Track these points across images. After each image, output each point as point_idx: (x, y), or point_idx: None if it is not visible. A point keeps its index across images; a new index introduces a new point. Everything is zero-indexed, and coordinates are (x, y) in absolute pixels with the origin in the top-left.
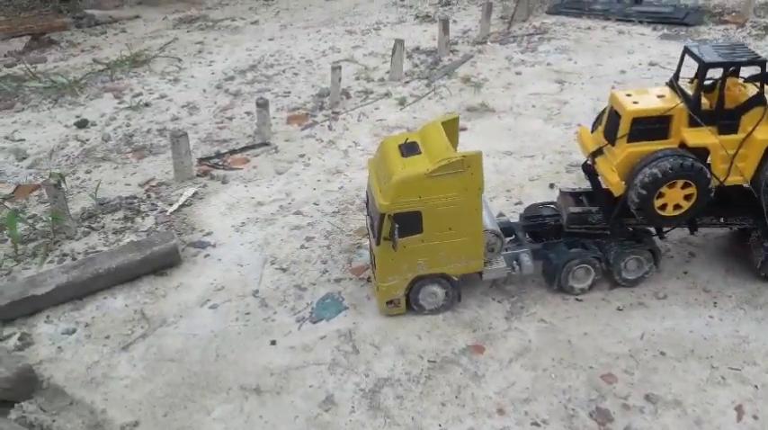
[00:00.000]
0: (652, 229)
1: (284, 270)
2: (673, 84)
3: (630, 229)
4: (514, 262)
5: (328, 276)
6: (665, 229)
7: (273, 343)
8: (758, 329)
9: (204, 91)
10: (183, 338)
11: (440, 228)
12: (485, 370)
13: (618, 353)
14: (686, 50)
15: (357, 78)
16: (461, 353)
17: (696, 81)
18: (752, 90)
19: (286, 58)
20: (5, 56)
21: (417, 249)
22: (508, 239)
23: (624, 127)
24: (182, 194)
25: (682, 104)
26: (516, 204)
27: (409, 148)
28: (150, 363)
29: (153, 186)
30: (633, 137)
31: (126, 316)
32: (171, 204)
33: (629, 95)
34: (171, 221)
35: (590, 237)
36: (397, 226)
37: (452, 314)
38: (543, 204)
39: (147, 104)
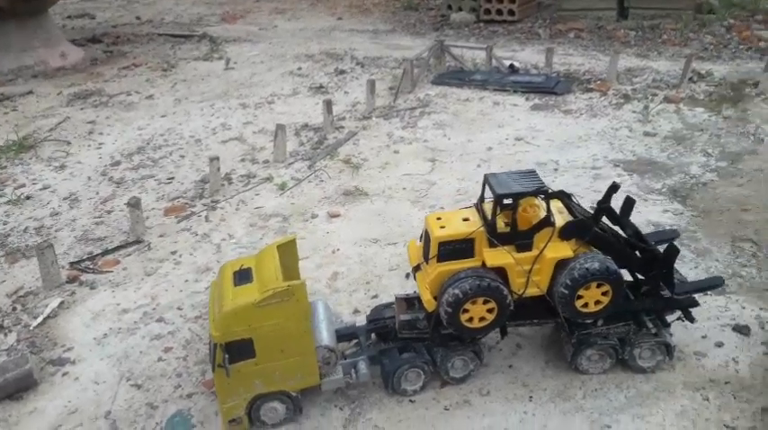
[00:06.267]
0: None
1: (139, 386)
2: (477, 207)
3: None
4: (353, 369)
5: (181, 391)
6: (477, 337)
7: None
8: (563, 423)
9: (89, 178)
10: None
11: (272, 351)
12: None
13: None
14: (486, 179)
15: (242, 160)
16: None
17: (493, 207)
18: (543, 210)
19: (175, 138)
20: None
21: (252, 372)
22: (354, 342)
23: (433, 249)
24: (47, 306)
25: (482, 228)
26: (373, 298)
27: (242, 276)
28: None
29: (20, 296)
30: (442, 257)
31: None
32: (35, 317)
33: (438, 219)
34: (33, 337)
35: (420, 340)
36: (227, 355)
37: (294, 425)
38: (386, 305)
39: (28, 197)
